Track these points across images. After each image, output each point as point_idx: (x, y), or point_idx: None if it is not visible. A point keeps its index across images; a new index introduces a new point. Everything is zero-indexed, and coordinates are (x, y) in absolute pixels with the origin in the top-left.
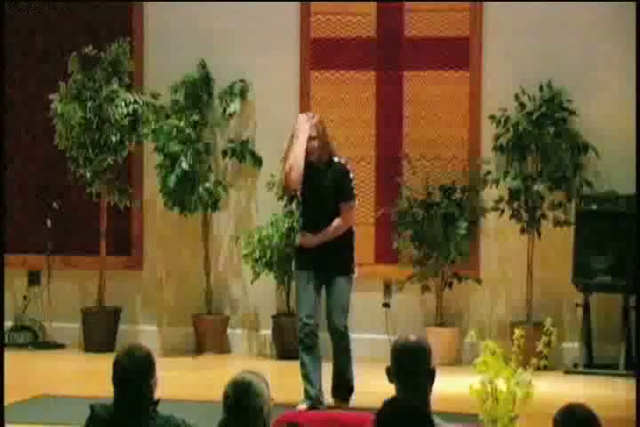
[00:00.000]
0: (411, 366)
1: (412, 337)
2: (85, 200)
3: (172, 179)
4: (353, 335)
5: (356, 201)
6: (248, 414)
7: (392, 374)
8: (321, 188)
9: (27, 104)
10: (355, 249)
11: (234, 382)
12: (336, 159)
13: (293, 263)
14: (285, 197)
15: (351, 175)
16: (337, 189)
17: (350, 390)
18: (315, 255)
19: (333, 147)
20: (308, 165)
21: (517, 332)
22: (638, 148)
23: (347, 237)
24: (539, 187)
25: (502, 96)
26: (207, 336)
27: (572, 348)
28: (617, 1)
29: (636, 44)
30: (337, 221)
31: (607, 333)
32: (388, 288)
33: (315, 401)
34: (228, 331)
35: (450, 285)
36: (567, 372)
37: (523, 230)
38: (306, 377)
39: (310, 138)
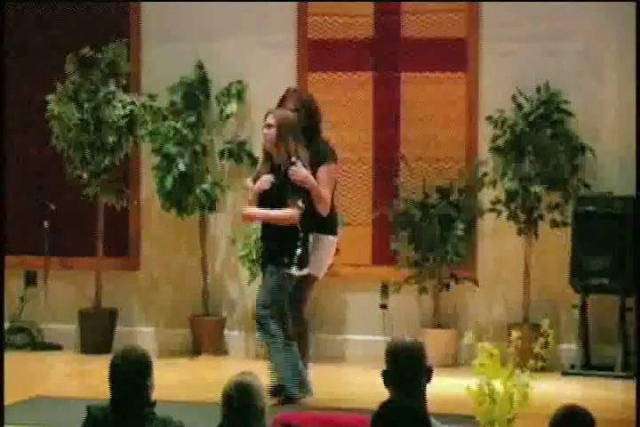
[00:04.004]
0: (408, 367)
1: (407, 338)
2: (82, 201)
3: (169, 180)
4: (349, 336)
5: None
6: (252, 415)
7: (388, 378)
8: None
9: (23, 105)
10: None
11: (238, 384)
12: (294, 159)
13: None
14: None
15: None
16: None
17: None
18: None
19: (290, 146)
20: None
21: (514, 333)
22: (638, 149)
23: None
24: (536, 188)
25: (499, 97)
26: (204, 338)
27: (570, 349)
28: (617, 1)
29: (636, 44)
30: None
31: (604, 334)
32: (385, 289)
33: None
34: (225, 332)
35: (447, 286)
36: (564, 373)
37: (520, 232)
38: None
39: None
